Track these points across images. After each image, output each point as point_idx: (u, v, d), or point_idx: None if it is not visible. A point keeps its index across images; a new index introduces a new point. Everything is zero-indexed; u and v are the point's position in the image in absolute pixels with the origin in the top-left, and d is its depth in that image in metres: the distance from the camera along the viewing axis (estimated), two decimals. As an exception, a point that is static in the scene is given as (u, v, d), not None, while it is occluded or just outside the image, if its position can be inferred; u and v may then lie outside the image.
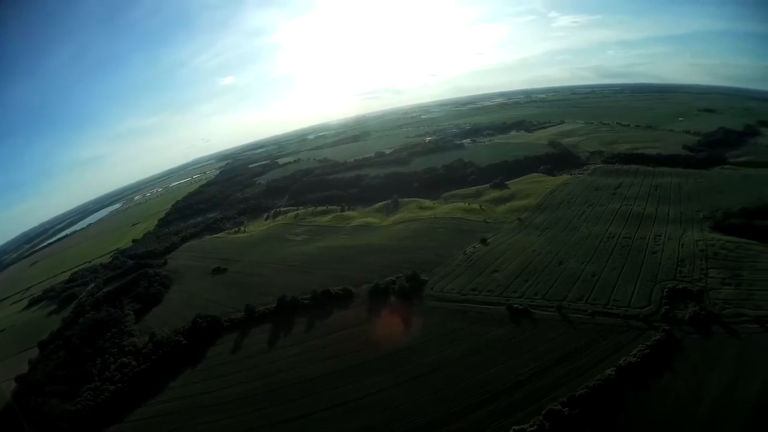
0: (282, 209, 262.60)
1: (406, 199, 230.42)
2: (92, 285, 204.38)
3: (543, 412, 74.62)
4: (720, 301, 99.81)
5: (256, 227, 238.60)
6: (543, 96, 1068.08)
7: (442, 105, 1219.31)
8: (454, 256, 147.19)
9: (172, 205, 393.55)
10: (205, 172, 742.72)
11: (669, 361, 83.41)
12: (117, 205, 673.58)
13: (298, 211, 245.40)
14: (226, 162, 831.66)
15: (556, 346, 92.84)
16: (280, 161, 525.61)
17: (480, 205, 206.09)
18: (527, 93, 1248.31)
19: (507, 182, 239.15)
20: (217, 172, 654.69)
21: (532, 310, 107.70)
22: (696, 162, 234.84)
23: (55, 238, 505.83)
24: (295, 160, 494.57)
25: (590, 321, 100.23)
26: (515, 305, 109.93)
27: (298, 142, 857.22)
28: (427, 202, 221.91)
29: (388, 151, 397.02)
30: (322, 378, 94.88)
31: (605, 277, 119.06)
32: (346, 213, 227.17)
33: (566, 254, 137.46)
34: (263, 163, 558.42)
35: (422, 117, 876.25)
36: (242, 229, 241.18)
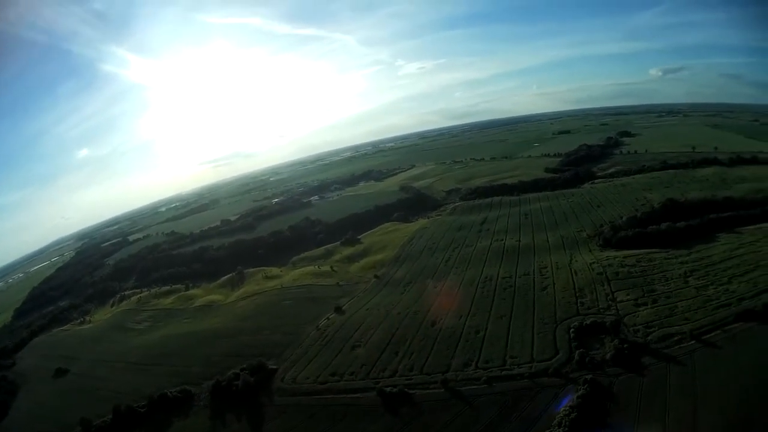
0: (127, 292, 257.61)
1: (251, 269, 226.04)
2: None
3: None
4: (641, 327, 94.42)
5: (102, 315, 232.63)
6: (391, 144, 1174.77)
7: (292, 165, 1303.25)
8: (305, 333, 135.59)
9: (29, 293, 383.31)
10: (63, 254, 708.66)
11: (604, 418, 73.95)
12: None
13: (142, 294, 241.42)
14: (82, 242, 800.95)
15: (453, 434, 79.16)
16: (131, 238, 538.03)
17: (331, 267, 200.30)
18: (375, 144, 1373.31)
19: (359, 236, 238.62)
20: (74, 253, 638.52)
21: (411, 391, 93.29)
22: (563, 182, 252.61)
23: None
24: (144, 236, 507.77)
25: (488, 391, 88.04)
26: (387, 388, 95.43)
27: (151, 215, 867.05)
28: (274, 270, 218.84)
29: (233, 218, 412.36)
30: None
31: (493, 331, 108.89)
32: (190, 291, 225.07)
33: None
34: (115, 241, 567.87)
35: (271, 179, 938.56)
36: (87, 318, 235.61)
